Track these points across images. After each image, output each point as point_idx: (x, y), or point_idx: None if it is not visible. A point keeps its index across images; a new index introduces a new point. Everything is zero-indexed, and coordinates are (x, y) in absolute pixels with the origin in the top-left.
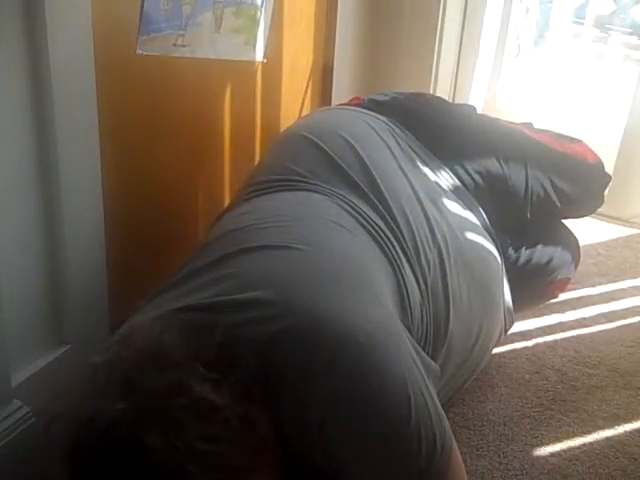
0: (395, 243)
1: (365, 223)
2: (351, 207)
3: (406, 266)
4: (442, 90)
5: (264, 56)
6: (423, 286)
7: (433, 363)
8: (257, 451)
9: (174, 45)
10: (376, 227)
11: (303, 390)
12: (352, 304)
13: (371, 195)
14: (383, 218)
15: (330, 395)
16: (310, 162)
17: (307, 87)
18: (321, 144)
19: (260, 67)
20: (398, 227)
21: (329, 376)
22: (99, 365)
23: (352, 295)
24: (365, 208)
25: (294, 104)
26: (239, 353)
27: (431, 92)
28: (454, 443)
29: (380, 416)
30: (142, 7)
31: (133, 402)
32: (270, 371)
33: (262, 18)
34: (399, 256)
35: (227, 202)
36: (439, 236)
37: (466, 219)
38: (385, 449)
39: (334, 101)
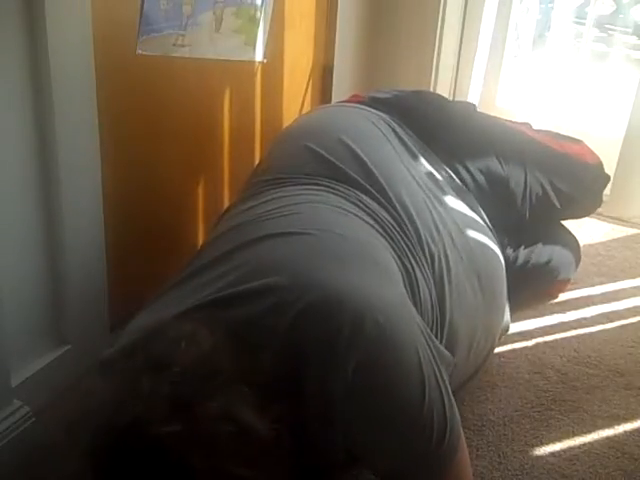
0: (401, 233)
1: (371, 212)
2: (357, 199)
3: (411, 257)
4: (442, 90)
5: (264, 56)
6: (428, 277)
7: (446, 351)
8: (285, 466)
9: (174, 45)
10: (382, 217)
11: (326, 377)
12: (366, 284)
13: (373, 191)
14: (387, 211)
15: (350, 375)
16: (313, 166)
17: (307, 87)
18: (321, 151)
19: (260, 67)
20: (402, 219)
21: (349, 359)
22: (132, 367)
23: (366, 276)
24: (369, 201)
25: (294, 104)
26: (280, 374)
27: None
28: (461, 430)
29: (394, 398)
30: (142, 7)
31: (183, 424)
32: (294, 358)
33: (262, 18)
34: (407, 247)
35: (227, 201)
36: (444, 232)
37: (470, 217)
38: (397, 431)
39: (334, 101)
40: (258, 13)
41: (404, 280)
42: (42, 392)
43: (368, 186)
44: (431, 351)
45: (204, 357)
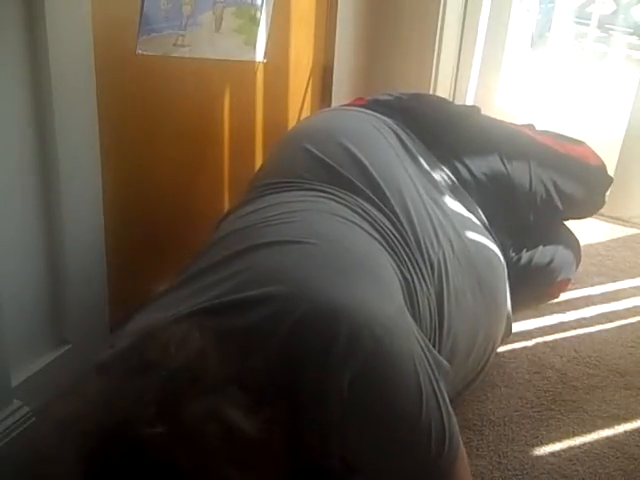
0: (402, 241)
1: (372, 221)
2: (358, 207)
3: (410, 267)
4: (442, 90)
5: (264, 56)
6: (427, 287)
7: (444, 361)
8: (278, 471)
9: (174, 45)
10: (383, 226)
11: (321, 384)
12: (366, 296)
13: (375, 198)
14: (388, 218)
15: (346, 387)
16: (313, 171)
17: (307, 87)
18: (322, 156)
19: (260, 67)
20: (403, 227)
21: (345, 368)
22: (123, 370)
23: (365, 287)
24: (370, 208)
25: (294, 104)
26: (277, 379)
27: (431, 92)
28: (460, 439)
29: (392, 409)
30: (142, 7)
31: (168, 426)
32: (291, 365)
33: (262, 18)
34: (407, 257)
35: (227, 203)
36: (443, 238)
37: (469, 219)
38: (396, 442)
39: (334, 101)
40: (258, 13)
41: (403, 291)
42: (42, 392)
43: (369, 192)
44: (428, 361)
45: (192, 360)
